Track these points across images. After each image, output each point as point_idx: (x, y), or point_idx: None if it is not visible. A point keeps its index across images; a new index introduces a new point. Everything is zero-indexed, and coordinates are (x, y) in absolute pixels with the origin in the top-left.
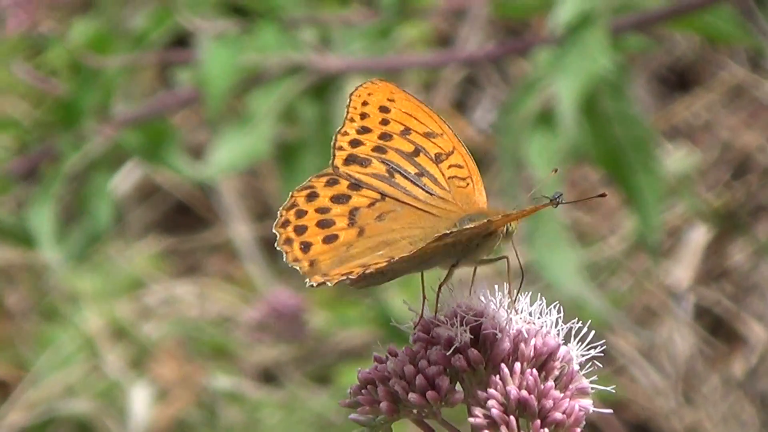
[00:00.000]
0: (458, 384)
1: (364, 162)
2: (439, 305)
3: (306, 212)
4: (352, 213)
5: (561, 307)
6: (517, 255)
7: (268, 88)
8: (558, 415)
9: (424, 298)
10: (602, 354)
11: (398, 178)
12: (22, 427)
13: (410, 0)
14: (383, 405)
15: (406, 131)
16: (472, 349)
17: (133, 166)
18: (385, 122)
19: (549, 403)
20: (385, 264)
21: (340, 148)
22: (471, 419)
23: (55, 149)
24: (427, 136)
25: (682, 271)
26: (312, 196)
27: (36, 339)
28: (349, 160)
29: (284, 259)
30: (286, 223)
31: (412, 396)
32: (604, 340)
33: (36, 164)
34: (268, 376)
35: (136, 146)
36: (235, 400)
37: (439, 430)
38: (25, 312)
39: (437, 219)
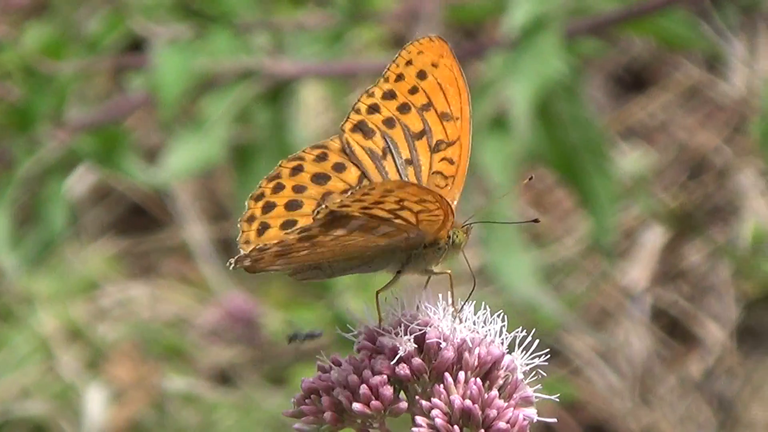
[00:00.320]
0: (403, 393)
1: (368, 133)
2: (384, 314)
3: (284, 187)
4: (324, 197)
5: (506, 316)
6: (468, 264)
7: (221, 93)
8: (502, 425)
9: (378, 304)
10: (558, 356)
11: (387, 161)
12: None
13: (364, 2)
14: (327, 415)
15: (426, 106)
16: (416, 358)
17: (87, 167)
18: (413, 91)
19: (493, 413)
20: (304, 256)
21: (357, 111)
22: (415, 429)
23: (9, 154)
24: (442, 117)
25: (639, 272)
26: (297, 170)
27: None
28: (357, 127)
29: (236, 238)
30: (259, 197)
31: (356, 406)
32: (548, 349)
33: None
34: (223, 378)
35: (90, 151)
36: (190, 401)
37: None
38: None
39: None
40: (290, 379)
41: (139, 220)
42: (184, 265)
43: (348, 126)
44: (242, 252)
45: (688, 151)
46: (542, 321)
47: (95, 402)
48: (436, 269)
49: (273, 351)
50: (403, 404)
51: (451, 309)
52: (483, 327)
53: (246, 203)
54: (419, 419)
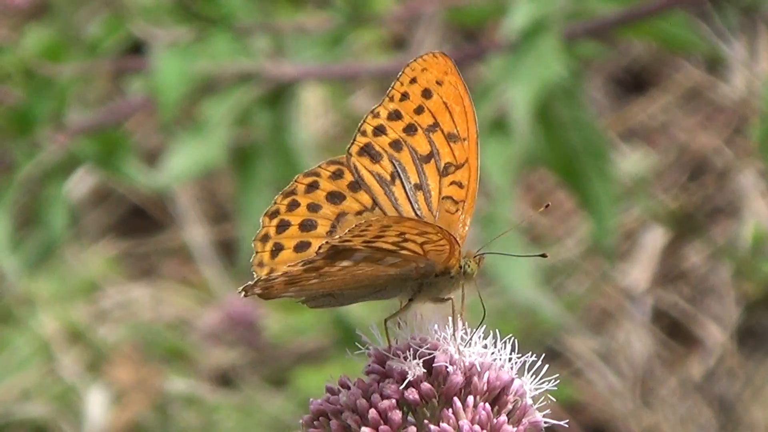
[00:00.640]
0: (412, 416)
1: (376, 156)
2: (394, 337)
3: (299, 204)
4: (338, 218)
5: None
6: (479, 294)
7: (222, 96)
8: None
9: (387, 330)
10: (558, 357)
11: (396, 187)
12: None
13: (365, 5)
14: None
15: (433, 127)
16: (425, 383)
17: (88, 170)
18: (419, 110)
19: None
20: (315, 284)
21: (363, 133)
22: None
23: (9, 157)
24: (450, 138)
25: (639, 273)
26: (312, 187)
27: None
28: (364, 150)
29: (250, 259)
30: (274, 215)
31: (365, 430)
32: (557, 374)
33: None
34: (224, 380)
35: (90, 154)
36: (191, 403)
37: None
38: None
39: None
40: (291, 381)
41: (139, 221)
42: (184, 266)
43: (354, 149)
44: (254, 274)
45: (689, 153)
46: (543, 322)
47: (96, 404)
48: (445, 296)
49: (274, 353)
50: (412, 429)
51: (460, 333)
52: (492, 351)
53: (260, 220)
54: None
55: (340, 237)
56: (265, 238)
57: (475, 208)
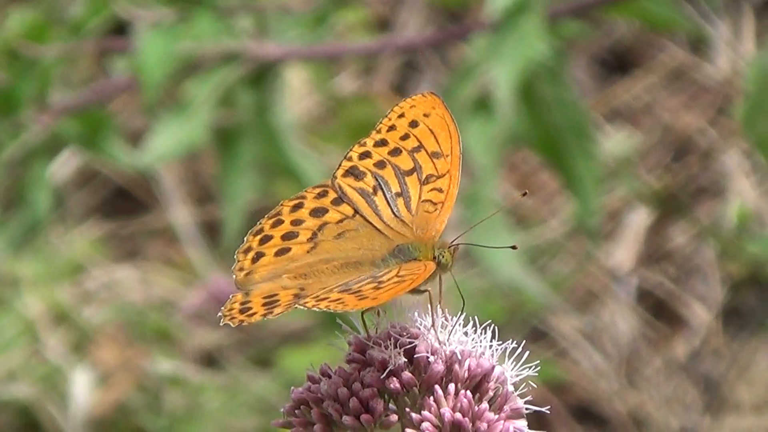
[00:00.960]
0: (393, 404)
1: (359, 176)
2: (374, 326)
3: (283, 222)
4: (320, 228)
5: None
6: (456, 283)
7: (205, 76)
8: None
9: (364, 320)
10: (543, 337)
11: (378, 197)
12: None
13: None
14: (317, 427)
15: (417, 149)
16: (406, 371)
17: (72, 151)
18: (405, 137)
19: (483, 426)
20: (294, 294)
21: (349, 159)
22: None
23: None
24: (433, 156)
25: (624, 253)
26: (297, 207)
27: None
28: (349, 172)
29: (232, 267)
30: (258, 232)
31: (346, 419)
32: (537, 361)
33: None
34: (209, 360)
35: (74, 135)
36: (176, 384)
37: None
38: None
39: (387, 241)
40: (276, 362)
41: (124, 203)
42: (169, 247)
43: (340, 172)
44: (234, 276)
45: (673, 133)
46: (527, 303)
47: (81, 385)
48: (423, 287)
49: (258, 333)
50: (393, 417)
51: (440, 321)
52: (473, 339)
53: (245, 238)
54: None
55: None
56: (248, 250)
57: (459, 187)
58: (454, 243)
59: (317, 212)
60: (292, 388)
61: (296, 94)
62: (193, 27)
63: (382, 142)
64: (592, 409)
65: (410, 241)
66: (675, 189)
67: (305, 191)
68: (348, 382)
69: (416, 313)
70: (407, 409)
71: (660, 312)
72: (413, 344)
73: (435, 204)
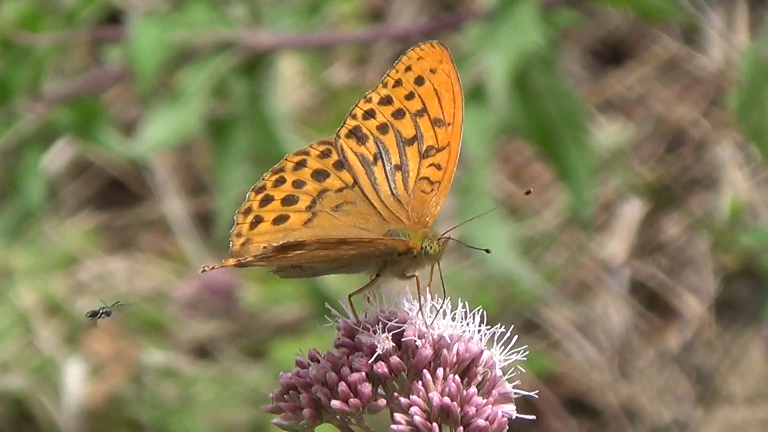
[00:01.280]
0: (382, 389)
1: (362, 138)
2: (363, 311)
3: (285, 181)
4: (320, 194)
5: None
6: (440, 274)
7: (199, 65)
8: (481, 422)
9: (352, 305)
10: (536, 329)
11: (377, 167)
12: None
13: None
14: (306, 412)
15: (421, 112)
16: (394, 356)
17: (66, 142)
18: (410, 96)
19: (472, 410)
20: (282, 260)
21: (354, 117)
22: (393, 426)
23: None
24: (435, 122)
25: (617, 245)
26: (300, 165)
27: None
28: (352, 132)
29: (230, 229)
30: (260, 190)
31: (335, 403)
32: (526, 346)
33: None
34: (202, 351)
35: (68, 124)
36: (169, 375)
37: None
38: None
39: (382, 223)
40: (269, 353)
41: (117, 194)
42: (162, 238)
43: (344, 132)
44: (231, 243)
45: (666, 124)
46: (521, 294)
47: (74, 376)
48: (410, 274)
49: (251, 325)
50: (382, 401)
51: (429, 306)
52: (461, 323)
53: (247, 194)
54: (398, 416)
55: (284, 242)
56: (247, 211)
57: (453, 177)
58: (444, 235)
59: (319, 175)
60: (281, 373)
61: (290, 84)
62: (187, 16)
63: (387, 100)
64: (584, 400)
65: (403, 228)
66: (668, 180)
67: (310, 146)
68: (337, 366)
69: (405, 299)
70: (396, 394)
71: (653, 304)
72: (401, 329)
73: (432, 183)
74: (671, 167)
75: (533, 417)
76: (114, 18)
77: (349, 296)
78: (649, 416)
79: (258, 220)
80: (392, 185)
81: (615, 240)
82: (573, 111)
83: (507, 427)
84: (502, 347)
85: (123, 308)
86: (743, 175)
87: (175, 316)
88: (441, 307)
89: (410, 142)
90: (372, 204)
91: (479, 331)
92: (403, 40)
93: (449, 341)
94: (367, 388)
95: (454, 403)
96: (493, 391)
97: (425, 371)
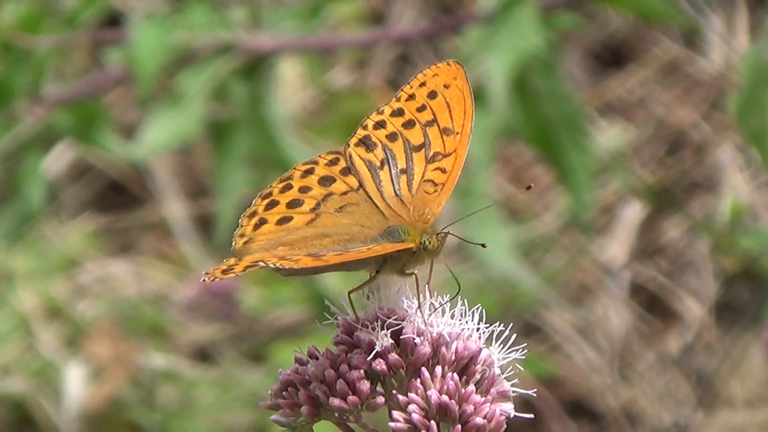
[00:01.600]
0: (380, 386)
1: (371, 146)
2: (362, 308)
3: (292, 188)
4: (325, 198)
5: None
6: (449, 268)
7: (199, 68)
8: (479, 420)
9: (351, 302)
10: (536, 331)
11: (383, 171)
12: None
13: None
14: (304, 409)
15: (431, 123)
16: (393, 353)
17: (66, 145)
18: (421, 108)
19: (470, 408)
20: (291, 263)
21: (365, 127)
22: (391, 424)
23: None
24: (444, 132)
25: (617, 247)
26: (308, 173)
27: None
28: (362, 141)
29: (234, 231)
30: (267, 196)
31: (333, 400)
32: (525, 344)
33: None
34: (203, 355)
35: (68, 127)
36: (170, 378)
37: None
38: None
39: (384, 221)
40: (269, 356)
41: (118, 197)
42: (163, 241)
43: (353, 141)
44: (234, 243)
45: (667, 127)
46: (521, 297)
47: (75, 379)
48: (410, 271)
49: (252, 327)
50: (380, 399)
51: (428, 303)
52: (460, 321)
53: (253, 200)
54: (396, 414)
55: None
56: (252, 214)
57: (457, 180)
58: (443, 230)
59: (325, 180)
60: (280, 370)
61: (290, 87)
62: (187, 18)
63: (399, 112)
64: (584, 403)
65: (403, 223)
66: (668, 183)
67: (319, 156)
68: (335, 363)
69: (405, 296)
70: (394, 392)
71: (653, 306)
72: (400, 326)
73: (436, 185)
74: (671, 170)
75: (531, 416)
76: (114, 20)
77: (348, 293)
78: (650, 419)
79: (262, 222)
80: (396, 187)
81: (615, 243)
82: (573, 114)
83: (505, 426)
84: (501, 346)
85: None
86: (744, 177)
87: (176, 319)
88: (441, 305)
89: (418, 149)
90: (375, 204)
91: (478, 329)
92: (404, 43)
93: (448, 339)
94: (365, 385)
95: (453, 401)
96: (492, 389)
97: (424, 369)
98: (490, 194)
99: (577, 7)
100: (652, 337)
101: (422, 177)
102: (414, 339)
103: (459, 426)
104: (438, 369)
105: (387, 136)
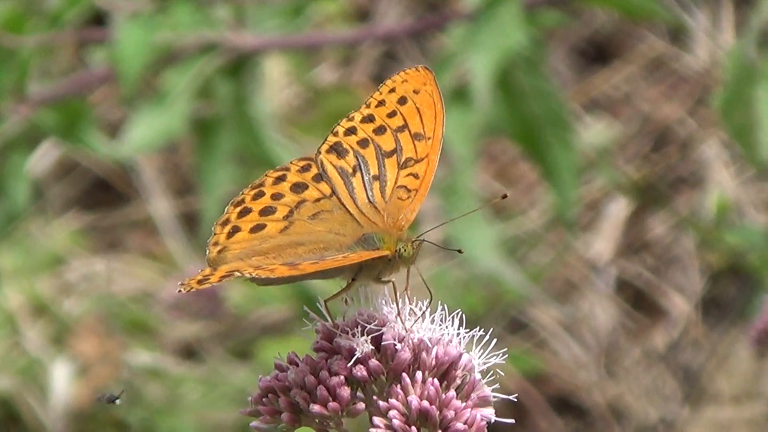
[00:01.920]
0: (361, 392)
1: (342, 153)
2: (341, 314)
3: (264, 194)
4: (298, 205)
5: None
6: (422, 276)
7: (183, 66)
8: (459, 426)
9: (328, 310)
10: (522, 328)
11: (356, 178)
12: None
13: None
14: (284, 416)
15: (401, 128)
16: (373, 359)
17: (52, 143)
18: (392, 114)
19: (450, 414)
20: (267, 272)
21: (335, 134)
22: (372, 430)
23: None
24: (415, 137)
25: (603, 244)
26: (280, 179)
27: None
28: (333, 148)
29: (208, 240)
30: (239, 203)
31: (314, 407)
32: (505, 349)
33: None
34: (188, 352)
35: (53, 126)
36: (156, 375)
37: None
38: None
39: (357, 228)
40: (255, 354)
41: (103, 194)
42: (149, 239)
43: (324, 147)
44: (207, 251)
45: (652, 123)
46: (507, 294)
47: (61, 377)
48: (386, 278)
49: (238, 325)
50: (361, 405)
51: (408, 308)
52: (440, 326)
53: (226, 208)
54: (377, 420)
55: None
56: (225, 222)
57: (438, 177)
58: (418, 238)
59: (297, 187)
60: (260, 376)
61: (276, 85)
62: (172, 17)
63: (369, 118)
64: (571, 400)
65: (377, 231)
66: (654, 179)
67: (291, 162)
68: (315, 370)
69: (384, 301)
70: (375, 397)
71: (639, 303)
72: (380, 332)
73: (409, 191)
74: (657, 166)
75: (512, 420)
76: (99, 19)
77: (325, 301)
78: (636, 415)
79: (235, 230)
80: (369, 193)
81: (601, 239)
82: (557, 111)
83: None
84: (482, 350)
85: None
86: (729, 173)
87: (162, 317)
88: (421, 310)
89: (389, 154)
90: (348, 211)
91: (458, 334)
92: (389, 41)
93: (429, 344)
94: (345, 391)
95: (433, 406)
96: (472, 394)
97: (404, 374)
98: (475, 191)
99: (562, 4)
100: (638, 333)
101: (395, 183)
102: (395, 345)
103: (440, 431)
104: (418, 374)
105: (358, 143)
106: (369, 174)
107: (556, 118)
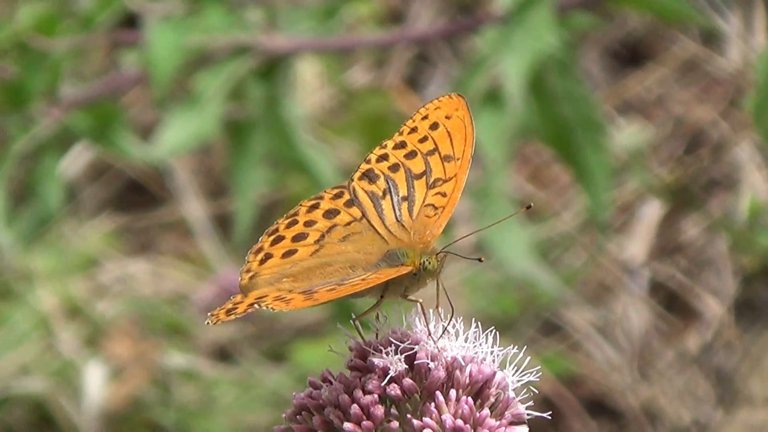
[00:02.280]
0: (395, 410)
1: (373, 179)
2: (375, 331)
3: (297, 223)
4: (329, 230)
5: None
6: (444, 290)
7: (216, 69)
8: None
9: (359, 328)
10: (556, 330)
11: (385, 200)
12: None
13: None
14: None
15: (432, 151)
16: (407, 378)
17: (85, 145)
18: (423, 140)
19: None
20: (275, 296)
21: (368, 161)
22: None
23: (4, 131)
24: (445, 159)
25: (636, 246)
26: (313, 208)
27: None
28: (365, 175)
29: (241, 268)
30: (273, 233)
31: (347, 425)
32: (539, 367)
33: None
34: (222, 354)
35: (85, 128)
36: (189, 377)
37: None
38: None
39: (384, 245)
40: (289, 356)
41: (137, 196)
42: (182, 241)
43: (357, 175)
44: (240, 278)
45: (685, 125)
46: (540, 296)
47: (94, 379)
48: (412, 295)
49: (272, 327)
50: (395, 424)
51: (441, 327)
52: (474, 344)
53: (261, 238)
54: None
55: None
56: (258, 250)
57: (471, 179)
58: (443, 250)
59: (330, 213)
60: (294, 393)
61: (309, 87)
62: (204, 20)
63: (401, 145)
64: (604, 402)
65: (403, 246)
66: (687, 181)
67: (324, 191)
68: (349, 388)
69: (417, 318)
70: (408, 416)
71: (672, 305)
72: (414, 350)
73: (436, 209)
74: (690, 168)
75: (548, 414)
76: (131, 22)
77: (354, 320)
78: (670, 418)
79: (267, 257)
80: (398, 213)
81: (634, 241)
82: (590, 114)
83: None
84: (515, 368)
85: None
86: (762, 175)
87: (196, 319)
88: (454, 328)
89: (419, 176)
90: (377, 231)
91: (492, 352)
92: (422, 43)
93: (462, 363)
94: (379, 410)
95: (467, 425)
96: (506, 412)
97: (438, 393)
98: (508, 194)
99: (594, 7)
100: (671, 335)
101: (423, 202)
102: (428, 363)
103: None
104: (452, 393)
105: (389, 168)
106: (398, 195)
107: (588, 120)
